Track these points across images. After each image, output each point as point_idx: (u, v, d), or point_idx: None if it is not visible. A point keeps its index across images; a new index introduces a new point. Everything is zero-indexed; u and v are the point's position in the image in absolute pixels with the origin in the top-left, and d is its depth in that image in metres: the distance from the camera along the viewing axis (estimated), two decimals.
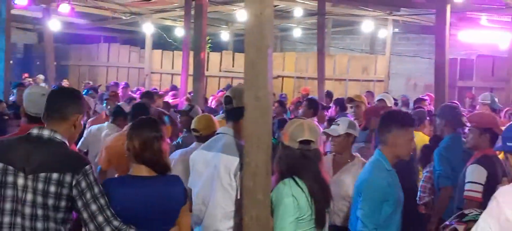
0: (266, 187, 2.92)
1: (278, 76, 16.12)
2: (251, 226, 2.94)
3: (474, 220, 2.78)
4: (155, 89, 13.23)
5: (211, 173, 3.37)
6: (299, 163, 3.21)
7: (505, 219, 2.51)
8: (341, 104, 8.69)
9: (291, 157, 3.22)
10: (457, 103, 5.57)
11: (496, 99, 8.10)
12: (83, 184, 2.67)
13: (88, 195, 2.68)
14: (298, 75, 16.27)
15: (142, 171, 2.99)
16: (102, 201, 2.71)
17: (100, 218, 2.70)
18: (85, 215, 2.68)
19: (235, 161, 3.25)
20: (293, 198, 3.12)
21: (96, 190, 2.71)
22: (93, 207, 2.68)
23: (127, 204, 2.89)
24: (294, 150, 3.22)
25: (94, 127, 6.17)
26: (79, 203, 2.67)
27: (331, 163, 4.49)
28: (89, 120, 7.05)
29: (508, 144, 2.69)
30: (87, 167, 2.71)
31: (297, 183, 3.16)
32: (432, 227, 4.90)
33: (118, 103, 6.84)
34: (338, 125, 4.49)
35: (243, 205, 3.01)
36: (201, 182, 3.42)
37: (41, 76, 14.39)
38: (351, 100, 7.51)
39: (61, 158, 2.71)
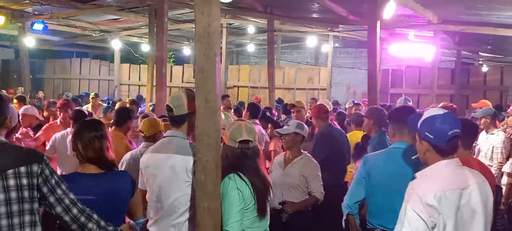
0: (216, 179, 2.89)
1: (234, 86, 16.15)
2: (203, 216, 2.91)
3: None
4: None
5: (166, 174, 3.25)
6: (240, 160, 3.20)
7: (427, 205, 2.55)
8: (284, 108, 9.01)
9: (232, 155, 3.20)
10: (382, 107, 5.71)
11: (409, 102, 8.56)
12: (47, 172, 2.59)
13: (53, 181, 2.61)
14: (252, 85, 16.33)
15: (90, 168, 2.96)
16: (63, 186, 2.65)
17: (67, 201, 2.63)
18: (52, 199, 2.60)
19: (191, 159, 3.19)
20: (238, 190, 3.09)
21: (56, 177, 2.65)
22: (59, 191, 2.61)
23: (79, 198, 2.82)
24: (234, 149, 3.21)
25: (58, 134, 5.91)
26: (45, 189, 2.58)
27: (283, 158, 4.95)
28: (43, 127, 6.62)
29: (427, 133, 2.72)
30: (45, 157, 2.64)
31: (241, 177, 3.15)
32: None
33: (79, 108, 6.75)
34: (289, 125, 4.93)
35: (196, 197, 2.97)
36: (156, 182, 3.30)
37: (21, 88, 13.98)
38: (293, 106, 7.61)
39: (21, 152, 2.62)
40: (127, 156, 4.74)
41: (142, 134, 4.84)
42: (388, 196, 3.52)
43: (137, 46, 17.40)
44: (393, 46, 13.04)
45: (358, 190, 3.81)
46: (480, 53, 15.42)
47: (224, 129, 3.30)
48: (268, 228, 3.32)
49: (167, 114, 3.40)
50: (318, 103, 7.10)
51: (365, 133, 5.59)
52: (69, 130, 5.81)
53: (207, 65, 2.84)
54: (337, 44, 16.24)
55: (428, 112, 2.79)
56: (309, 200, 4.79)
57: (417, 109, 4.77)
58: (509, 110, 7.96)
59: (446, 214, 2.56)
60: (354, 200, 3.84)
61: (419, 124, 2.78)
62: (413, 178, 2.76)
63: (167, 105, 3.32)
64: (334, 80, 16.33)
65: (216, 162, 2.88)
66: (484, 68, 14.39)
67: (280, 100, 12.90)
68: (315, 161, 4.96)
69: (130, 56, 17.72)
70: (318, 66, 17.09)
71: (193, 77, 16.76)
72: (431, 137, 2.68)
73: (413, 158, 3.06)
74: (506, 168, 5.99)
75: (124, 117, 5.67)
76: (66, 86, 17.94)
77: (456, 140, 2.69)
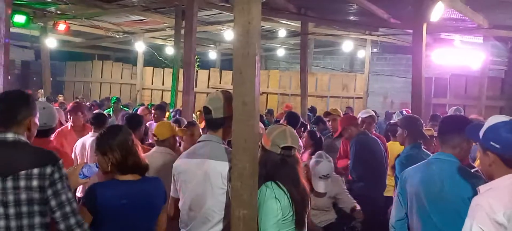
0: (252, 187, 2.90)
1: (263, 92, 16.16)
2: (238, 225, 2.92)
3: None
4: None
5: (200, 180, 3.28)
6: (280, 168, 3.20)
7: (496, 223, 2.50)
8: (315, 119, 9.10)
9: (272, 161, 3.20)
10: (418, 117, 5.66)
11: (461, 112, 8.40)
12: (56, 175, 2.66)
13: (59, 186, 2.67)
14: (282, 92, 16.34)
15: (127, 177, 3.02)
16: (70, 194, 2.71)
17: (68, 209, 2.68)
18: (53, 203, 2.65)
19: (226, 165, 3.21)
20: (276, 199, 3.10)
21: (66, 183, 2.70)
22: (63, 197, 2.67)
23: (116, 205, 2.90)
24: (275, 155, 3.21)
25: (79, 141, 5.96)
26: (49, 191, 2.64)
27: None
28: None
29: (492, 143, 2.67)
30: (61, 161, 2.70)
31: (279, 186, 3.15)
32: None
33: (98, 111, 6.80)
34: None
35: (231, 205, 2.98)
36: (189, 189, 3.33)
37: (41, 91, 14.31)
38: (328, 114, 7.64)
39: (37, 154, 2.69)
40: None
41: (155, 138, 4.88)
42: (423, 209, 3.45)
43: (161, 49, 17.60)
44: (437, 52, 12.88)
45: (397, 207, 3.73)
46: None
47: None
48: None
49: (204, 117, 3.42)
50: (365, 114, 7.02)
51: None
52: (90, 135, 5.85)
53: (245, 66, 2.85)
54: (375, 50, 16.13)
55: (491, 120, 2.74)
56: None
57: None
58: None
59: None
60: (396, 218, 3.75)
61: (481, 134, 2.74)
62: (476, 192, 2.70)
63: (206, 107, 3.35)
64: (370, 89, 16.21)
65: (253, 168, 2.89)
66: None
67: (312, 109, 12.88)
68: (337, 175, 5.14)
69: (154, 60, 17.93)
70: (353, 73, 17.00)
71: (219, 82, 16.88)
72: (498, 146, 2.63)
73: (473, 171, 3.00)
74: None
75: (134, 123, 5.65)
76: (87, 90, 18.28)
77: None
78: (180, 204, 3.39)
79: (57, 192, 2.66)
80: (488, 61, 11.59)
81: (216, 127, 3.35)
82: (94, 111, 7.03)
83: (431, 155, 5.17)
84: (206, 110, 3.36)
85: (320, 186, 4.78)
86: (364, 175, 5.91)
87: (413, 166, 3.83)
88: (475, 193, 3.17)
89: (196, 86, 16.03)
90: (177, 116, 8.14)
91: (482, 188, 2.71)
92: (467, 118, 3.97)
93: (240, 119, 2.88)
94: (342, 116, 7.80)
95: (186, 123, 6.10)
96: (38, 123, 2.98)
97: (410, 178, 3.62)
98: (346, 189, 5.21)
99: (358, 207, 5.03)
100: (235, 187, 2.92)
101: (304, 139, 6.58)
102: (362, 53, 16.24)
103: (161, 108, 9.23)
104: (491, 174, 2.71)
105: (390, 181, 6.16)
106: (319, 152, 5.15)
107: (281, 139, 3.22)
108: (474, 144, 3.46)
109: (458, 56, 12.38)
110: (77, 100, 10.01)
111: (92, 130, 5.93)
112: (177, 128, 5.10)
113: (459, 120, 3.79)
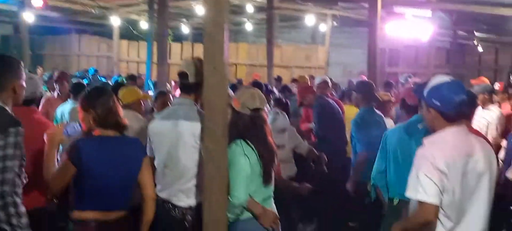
0: (223, 146, 2.92)
1: (233, 64, 16.12)
2: (210, 180, 2.94)
3: None
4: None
5: (174, 140, 3.30)
6: (249, 128, 3.22)
7: (439, 170, 2.58)
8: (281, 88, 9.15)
9: (243, 122, 3.22)
10: (371, 82, 5.77)
11: (411, 79, 8.59)
12: (10, 140, 2.58)
13: (10, 151, 2.59)
14: (250, 63, 16.33)
15: (109, 133, 2.98)
16: (9, 163, 2.59)
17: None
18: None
19: (199, 126, 3.22)
20: (245, 156, 3.12)
21: (8, 151, 2.59)
22: (8, 163, 2.58)
23: (98, 159, 2.88)
24: (245, 116, 3.23)
25: (59, 108, 5.88)
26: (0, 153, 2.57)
27: None
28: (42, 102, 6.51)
29: (434, 101, 2.72)
30: (12, 129, 2.61)
31: (248, 144, 3.17)
32: (351, 188, 5.00)
33: (77, 81, 6.73)
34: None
35: (204, 162, 3.01)
36: (163, 148, 3.35)
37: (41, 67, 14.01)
38: (295, 81, 7.68)
39: (4, 118, 2.64)
40: None
41: (120, 102, 4.76)
42: (401, 166, 3.59)
43: (136, 23, 17.29)
44: (390, 25, 13.01)
45: (378, 162, 3.86)
46: (475, 33, 15.43)
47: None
48: (272, 194, 3.37)
49: (180, 81, 3.41)
50: (319, 80, 7.08)
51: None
52: (70, 101, 5.77)
53: (215, 33, 2.85)
54: (335, 24, 16.20)
55: (434, 80, 2.78)
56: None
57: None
58: (497, 86, 8.03)
59: (454, 179, 2.60)
60: (376, 171, 3.89)
61: (425, 92, 2.78)
62: (420, 144, 2.76)
63: (182, 71, 3.34)
64: (331, 60, 16.32)
65: (223, 128, 2.91)
66: (479, 48, 14.41)
67: (279, 78, 12.93)
68: (293, 128, 5.39)
69: (129, 33, 17.63)
70: (315, 45, 17.08)
71: (192, 55, 16.73)
72: (438, 104, 2.69)
73: (419, 126, 3.09)
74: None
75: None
76: (65, 63, 17.86)
77: (463, 107, 2.69)
78: (155, 162, 3.41)
79: (6, 156, 2.57)
80: (435, 33, 11.80)
81: (190, 90, 3.36)
82: (74, 81, 6.91)
83: (382, 115, 5.33)
84: (183, 75, 3.35)
85: (279, 139, 4.86)
86: (328, 133, 5.99)
87: (395, 126, 3.92)
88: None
89: (170, 59, 15.87)
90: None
91: (426, 141, 2.79)
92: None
93: (211, 83, 2.89)
94: (308, 82, 7.83)
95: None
96: (24, 85, 2.91)
97: (389, 138, 3.76)
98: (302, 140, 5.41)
99: (314, 150, 5.20)
100: (207, 146, 2.94)
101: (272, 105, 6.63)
102: (323, 27, 16.28)
103: (133, 78, 9.10)
104: (434, 128, 2.78)
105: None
106: (274, 109, 5.30)
107: (250, 101, 3.23)
108: None
109: (409, 28, 12.52)
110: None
111: (72, 98, 5.85)
112: (141, 93, 5.04)
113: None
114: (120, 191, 2.98)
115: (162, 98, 5.31)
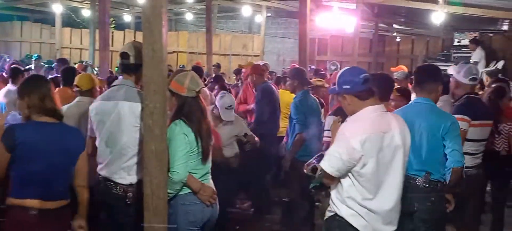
0: (162, 124, 2.85)
1: (173, 51, 15.85)
2: (150, 158, 2.87)
3: None
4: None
5: (115, 119, 3.20)
6: (194, 110, 3.18)
7: (351, 147, 2.66)
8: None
9: (188, 104, 3.16)
10: (304, 69, 5.88)
11: (335, 66, 8.75)
12: None
13: None
14: (190, 51, 16.10)
15: (46, 119, 2.84)
16: None
17: None
18: None
19: (139, 106, 3.14)
20: (184, 135, 3.08)
21: None
22: None
23: (33, 144, 2.74)
24: (190, 99, 3.17)
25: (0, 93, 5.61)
26: None
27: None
28: None
29: (344, 86, 2.81)
30: None
31: (186, 123, 3.13)
32: (286, 165, 5.06)
33: (15, 65, 6.50)
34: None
35: (144, 141, 2.93)
36: (105, 128, 3.23)
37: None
38: (242, 66, 7.82)
39: None
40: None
41: (78, 89, 4.52)
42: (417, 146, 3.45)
43: (78, 11, 16.57)
44: (320, 17, 13.24)
45: None
46: (394, 25, 16.02)
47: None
48: (210, 171, 3.35)
49: (121, 62, 3.30)
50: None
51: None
52: (7, 87, 5.52)
53: (153, 16, 2.77)
54: (269, 14, 16.27)
55: (339, 72, 2.94)
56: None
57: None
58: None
59: (369, 154, 2.68)
60: None
61: (336, 87, 2.87)
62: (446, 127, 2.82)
63: (125, 52, 3.24)
64: (266, 49, 16.41)
65: (162, 107, 2.84)
66: (398, 39, 14.98)
67: (218, 65, 12.87)
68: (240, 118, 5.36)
69: (71, 21, 16.87)
70: (251, 35, 17.10)
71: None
72: (348, 87, 2.79)
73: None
74: None
75: (70, 75, 5.35)
76: (8, 49, 16.83)
77: (370, 83, 2.79)
78: (97, 142, 3.29)
79: None
80: (359, 25, 12.10)
81: (130, 71, 3.28)
82: (11, 65, 6.56)
83: (316, 99, 5.43)
84: (125, 55, 3.25)
85: (227, 115, 4.88)
86: (267, 116, 6.02)
87: (399, 109, 3.77)
88: (446, 127, 3.39)
89: (112, 46, 15.35)
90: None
91: (349, 118, 2.87)
92: (438, 67, 3.97)
93: (151, 64, 2.80)
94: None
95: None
96: None
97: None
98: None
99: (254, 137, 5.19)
100: (147, 124, 2.86)
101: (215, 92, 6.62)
102: (259, 18, 16.32)
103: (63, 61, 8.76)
104: (354, 111, 2.84)
105: (283, 122, 6.31)
106: (222, 91, 5.35)
107: (194, 84, 3.19)
108: None
109: (336, 20, 12.78)
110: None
111: (10, 82, 5.57)
112: (97, 79, 4.86)
113: (433, 68, 3.88)
114: (58, 179, 2.85)
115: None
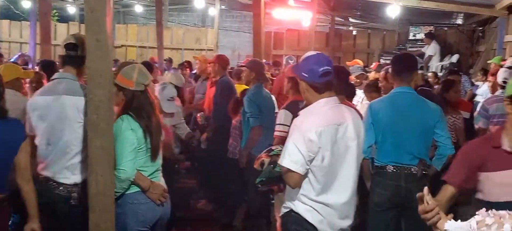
0: (108, 118, 2.79)
1: (122, 45, 15.53)
2: (96, 154, 2.81)
3: (278, 155, 2.93)
4: None
5: (56, 115, 3.09)
6: (143, 105, 3.12)
7: (308, 140, 2.68)
8: None
9: (137, 99, 3.11)
10: (261, 61, 5.92)
11: (292, 61, 8.87)
12: None
13: None
14: (140, 45, 15.82)
15: None
16: None
17: None
18: None
19: (82, 100, 3.04)
20: (132, 131, 3.03)
21: None
22: None
23: None
24: (139, 93, 3.12)
25: None
26: None
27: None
28: None
29: (303, 73, 2.82)
30: None
31: (134, 119, 3.07)
32: (243, 160, 5.04)
33: None
34: None
35: (88, 137, 2.85)
36: (45, 125, 3.11)
37: None
38: (195, 58, 7.89)
39: None
40: None
41: None
42: (397, 135, 3.65)
43: (18, 2, 15.94)
44: (276, 10, 13.33)
45: (369, 135, 3.66)
46: (350, 19, 16.34)
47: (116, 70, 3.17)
48: (160, 168, 3.30)
49: (65, 53, 3.19)
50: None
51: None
52: None
53: (97, 4, 2.71)
54: (223, 7, 16.22)
55: (305, 55, 2.90)
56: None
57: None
58: (371, 66, 8.60)
59: (325, 147, 2.71)
60: (367, 144, 3.68)
61: (297, 69, 2.89)
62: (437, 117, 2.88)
63: (71, 43, 3.14)
64: (220, 43, 16.35)
65: (108, 101, 2.78)
66: (354, 33, 15.28)
67: (170, 60, 12.74)
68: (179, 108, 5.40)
69: (10, 13, 16.21)
70: (205, 28, 17.00)
71: None
72: (306, 76, 2.79)
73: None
74: None
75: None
76: None
77: (328, 77, 2.78)
78: (37, 140, 3.16)
79: None
80: (315, 18, 12.27)
81: (74, 63, 3.17)
82: None
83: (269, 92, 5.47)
84: (72, 46, 3.15)
85: (168, 107, 4.83)
86: (224, 108, 6.01)
87: (378, 100, 3.94)
88: (437, 116, 3.63)
89: (55, 39, 14.87)
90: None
91: (302, 112, 2.90)
92: (413, 55, 4.20)
93: (95, 55, 2.74)
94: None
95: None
96: None
97: (383, 110, 3.73)
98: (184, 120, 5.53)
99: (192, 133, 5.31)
100: (92, 120, 2.79)
101: None
102: (212, 11, 16.24)
103: None
104: (309, 100, 2.87)
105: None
106: (163, 82, 5.28)
107: (142, 77, 3.14)
108: None
109: (292, 14, 12.91)
110: None
111: None
112: (22, 70, 4.66)
113: (410, 58, 4.01)
114: None
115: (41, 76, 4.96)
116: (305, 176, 2.74)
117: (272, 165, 3.15)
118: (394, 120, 3.68)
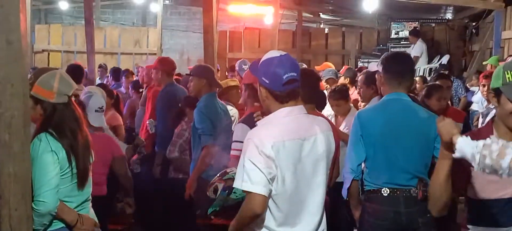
0: (24, 138, 2.72)
1: (43, 50, 15.24)
2: (8, 183, 2.73)
3: (233, 178, 2.84)
4: None
5: None
6: (65, 119, 3.09)
7: (264, 155, 2.60)
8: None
9: (59, 113, 3.07)
10: (211, 67, 5.95)
11: (245, 66, 8.96)
12: None
13: None
14: (66, 49, 15.55)
15: None
16: None
17: None
18: None
19: None
20: (52, 153, 2.97)
21: None
22: None
23: None
24: (61, 106, 3.08)
25: None
26: None
27: None
28: None
29: (262, 77, 2.76)
30: None
31: (55, 138, 3.02)
32: (192, 186, 4.97)
33: None
34: None
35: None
36: None
37: None
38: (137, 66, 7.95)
39: None
40: None
41: None
42: (391, 150, 3.56)
43: None
44: (231, 5, 13.43)
45: (358, 150, 3.63)
46: (321, 15, 16.60)
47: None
48: (90, 197, 3.26)
49: None
50: None
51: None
52: None
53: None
54: (167, 2, 16.19)
55: (266, 55, 2.82)
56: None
57: None
58: (341, 71, 8.76)
59: (284, 166, 2.65)
60: (357, 162, 3.65)
61: (257, 70, 2.82)
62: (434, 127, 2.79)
63: None
64: (165, 45, 16.30)
65: (23, 116, 2.71)
66: (326, 31, 15.50)
67: (105, 66, 12.62)
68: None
69: None
70: (146, 28, 16.92)
71: None
72: (267, 82, 2.74)
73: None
74: None
75: None
76: None
77: (294, 85, 2.75)
78: None
79: None
80: (279, 14, 12.40)
81: None
82: None
83: (225, 104, 5.49)
84: None
85: (96, 119, 4.62)
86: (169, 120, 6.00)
87: (369, 108, 3.96)
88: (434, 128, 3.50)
89: None
90: None
91: (259, 123, 2.89)
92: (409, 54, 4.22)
93: (6, 60, 2.66)
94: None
95: None
96: None
97: (373, 120, 3.65)
98: None
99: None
100: (3, 140, 2.72)
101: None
102: (154, 7, 16.19)
103: None
104: (268, 109, 2.84)
105: None
106: (89, 86, 5.22)
107: (65, 86, 3.10)
108: None
109: (252, 9, 13.03)
110: None
111: None
112: None
113: (405, 57, 4.03)
114: None
115: None
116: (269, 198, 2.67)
117: (226, 191, 3.15)
118: (386, 132, 3.60)
